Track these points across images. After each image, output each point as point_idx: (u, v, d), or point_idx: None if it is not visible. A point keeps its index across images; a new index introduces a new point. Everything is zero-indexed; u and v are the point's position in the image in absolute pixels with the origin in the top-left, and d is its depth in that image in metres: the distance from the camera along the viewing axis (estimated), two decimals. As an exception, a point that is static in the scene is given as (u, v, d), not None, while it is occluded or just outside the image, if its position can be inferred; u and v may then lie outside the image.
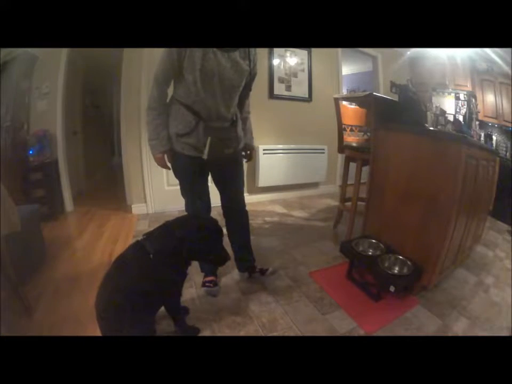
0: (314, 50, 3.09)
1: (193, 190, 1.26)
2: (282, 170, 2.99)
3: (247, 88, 1.25)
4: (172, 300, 1.01)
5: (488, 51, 3.49)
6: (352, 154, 1.96)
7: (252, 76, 1.22)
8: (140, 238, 0.95)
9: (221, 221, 1.47)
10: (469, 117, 3.91)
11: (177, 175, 1.26)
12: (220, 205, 1.39)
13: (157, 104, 1.12)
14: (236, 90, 1.16)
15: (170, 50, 1.01)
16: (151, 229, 0.99)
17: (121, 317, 0.84)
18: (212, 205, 1.37)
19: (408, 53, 3.93)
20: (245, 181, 1.87)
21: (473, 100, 3.86)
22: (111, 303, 0.86)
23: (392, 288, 1.23)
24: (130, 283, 0.86)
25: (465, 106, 3.94)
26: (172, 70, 1.07)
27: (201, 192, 1.27)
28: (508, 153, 3.66)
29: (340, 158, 3.38)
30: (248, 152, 1.44)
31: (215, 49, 1.03)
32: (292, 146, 3.02)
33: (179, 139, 1.14)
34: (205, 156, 1.14)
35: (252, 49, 1.16)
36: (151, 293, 0.89)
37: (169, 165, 1.23)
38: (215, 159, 1.19)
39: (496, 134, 3.82)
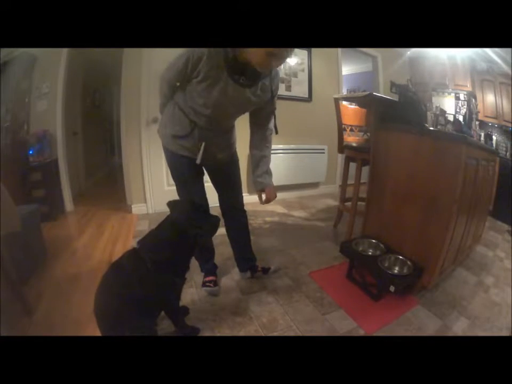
0: (314, 50, 3.09)
1: (188, 191, 1.25)
2: (282, 170, 2.99)
3: (267, 108, 1.17)
4: (171, 305, 1.01)
5: (488, 51, 3.49)
6: (352, 154, 1.96)
7: (271, 98, 1.14)
8: (135, 246, 0.94)
9: (221, 221, 1.47)
10: (469, 117, 3.91)
11: (173, 175, 1.26)
12: (218, 205, 1.39)
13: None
14: (242, 113, 1.18)
15: (187, 58, 0.96)
16: (151, 229, 0.98)
17: (121, 323, 0.84)
18: (210, 205, 1.37)
19: (408, 53, 3.93)
20: (245, 180, 1.86)
21: (473, 100, 3.86)
22: (109, 310, 0.85)
23: (392, 288, 1.23)
24: (130, 292, 0.85)
25: (465, 106, 3.94)
26: (183, 76, 1.04)
27: (197, 192, 1.26)
28: (508, 153, 3.66)
29: (340, 158, 3.38)
30: (263, 192, 1.23)
31: (230, 81, 0.99)
32: (292, 146, 3.02)
33: (175, 140, 1.15)
34: (198, 161, 1.15)
35: (275, 79, 1.10)
36: (150, 299, 0.89)
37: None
38: (208, 163, 1.23)
39: (496, 134, 3.82)
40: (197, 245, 0.99)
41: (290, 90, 3.01)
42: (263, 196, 1.24)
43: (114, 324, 0.85)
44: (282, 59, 0.94)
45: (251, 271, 1.46)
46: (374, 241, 1.56)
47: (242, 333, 1.09)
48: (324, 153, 3.24)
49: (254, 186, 1.26)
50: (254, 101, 1.10)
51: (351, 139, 2.12)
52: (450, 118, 4.01)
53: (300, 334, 1.10)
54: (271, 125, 1.22)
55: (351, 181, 2.00)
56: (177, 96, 1.12)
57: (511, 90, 3.57)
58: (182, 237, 0.91)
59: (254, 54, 0.92)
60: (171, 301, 1.00)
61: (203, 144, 1.13)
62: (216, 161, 1.24)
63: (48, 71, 2.35)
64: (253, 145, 1.25)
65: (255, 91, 1.07)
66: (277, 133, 1.21)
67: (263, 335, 1.09)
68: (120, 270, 0.90)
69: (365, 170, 1.80)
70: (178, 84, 1.10)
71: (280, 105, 1.23)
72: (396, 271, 1.37)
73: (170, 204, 0.99)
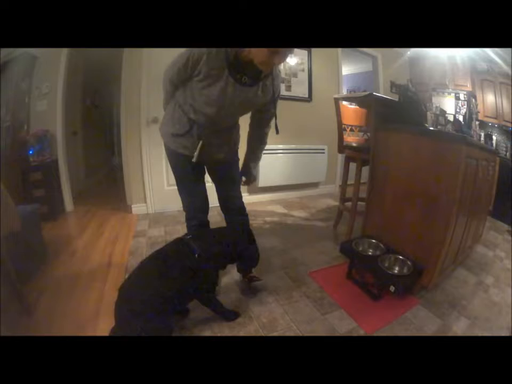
0: (314, 50, 3.09)
1: (189, 190, 1.26)
2: (282, 170, 2.99)
3: (268, 111, 1.19)
4: (207, 294, 1.11)
5: (488, 51, 3.49)
6: (352, 154, 1.96)
7: (272, 100, 1.14)
8: (183, 236, 1.09)
9: (222, 220, 1.47)
10: (469, 117, 3.91)
11: (173, 172, 1.27)
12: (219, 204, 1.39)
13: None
14: (242, 113, 1.20)
15: (188, 58, 0.96)
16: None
17: (150, 305, 0.90)
18: (211, 205, 1.37)
19: (408, 53, 3.94)
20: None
21: (473, 100, 3.86)
22: (145, 291, 0.91)
23: (392, 288, 1.23)
24: (173, 275, 0.95)
25: (465, 106, 3.94)
26: (183, 75, 1.04)
27: (197, 192, 1.27)
28: (508, 153, 3.66)
29: (340, 158, 3.38)
30: (245, 178, 1.37)
31: (231, 80, 0.99)
32: (292, 146, 3.02)
33: (175, 139, 1.16)
34: (194, 159, 1.16)
35: (276, 80, 1.09)
36: (188, 286, 1.00)
37: None
38: (205, 162, 1.25)
39: (496, 134, 3.82)
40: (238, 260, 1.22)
41: (290, 90, 3.01)
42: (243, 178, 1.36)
43: (143, 304, 0.90)
44: (284, 57, 0.94)
45: (242, 274, 1.44)
46: (374, 241, 1.56)
47: (242, 333, 1.09)
48: (324, 153, 3.24)
49: (242, 167, 1.37)
50: (255, 101, 1.09)
51: (351, 139, 2.12)
52: (450, 118, 4.01)
53: (299, 334, 1.10)
54: (268, 128, 1.28)
55: (351, 181, 2.01)
56: (179, 93, 1.12)
57: (511, 90, 3.57)
58: (235, 250, 1.13)
59: (256, 52, 0.93)
60: (207, 289, 1.10)
61: (200, 142, 1.13)
62: (214, 161, 1.24)
63: (48, 71, 2.35)
64: (250, 141, 1.32)
65: (256, 91, 1.07)
66: (278, 132, 1.20)
67: (263, 335, 1.09)
68: (165, 255, 1.01)
69: (365, 170, 1.80)
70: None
71: (280, 105, 1.22)
72: (396, 271, 1.36)
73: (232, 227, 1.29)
